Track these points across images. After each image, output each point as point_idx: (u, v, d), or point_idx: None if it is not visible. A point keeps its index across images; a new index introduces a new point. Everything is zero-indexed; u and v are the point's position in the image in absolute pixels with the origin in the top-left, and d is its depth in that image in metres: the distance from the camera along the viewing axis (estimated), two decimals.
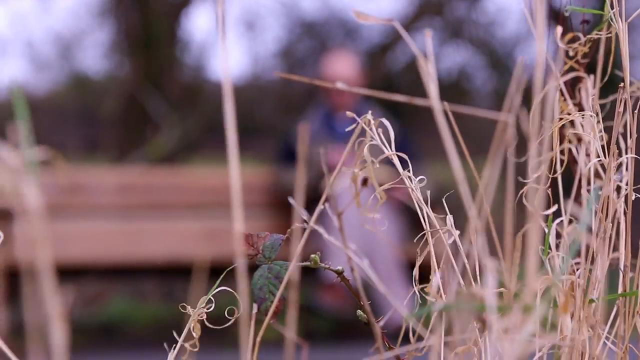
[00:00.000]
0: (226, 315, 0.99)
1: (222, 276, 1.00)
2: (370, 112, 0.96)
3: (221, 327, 1.01)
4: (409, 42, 0.79)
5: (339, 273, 0.87)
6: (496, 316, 0.75)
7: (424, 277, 1.03)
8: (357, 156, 0.88)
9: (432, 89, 0.82)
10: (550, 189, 1.08)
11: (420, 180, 0.89)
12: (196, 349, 1.00)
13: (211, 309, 1.02)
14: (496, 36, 9.80)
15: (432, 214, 0.88)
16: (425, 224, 0.88)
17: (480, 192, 0.79)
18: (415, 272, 0.91)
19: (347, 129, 0.97)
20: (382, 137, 0.91)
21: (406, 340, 1.04)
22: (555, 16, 1.29)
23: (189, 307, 1.00)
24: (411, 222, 5.46)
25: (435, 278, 0.87)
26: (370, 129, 0.89)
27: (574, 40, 1.12)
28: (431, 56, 0.82)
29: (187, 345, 1.00)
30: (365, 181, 0.91)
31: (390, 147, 0.92)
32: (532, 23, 0.90)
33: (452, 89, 9.52)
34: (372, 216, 0.94)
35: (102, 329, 6.18)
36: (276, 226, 5.57)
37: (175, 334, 1.05)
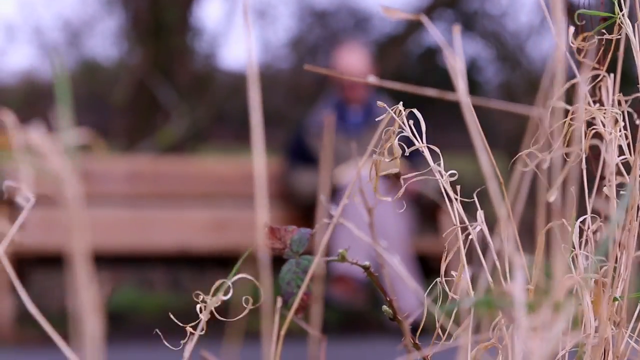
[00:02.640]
0: (243, 305, 0.98)
1: (237, 265, 0.99)
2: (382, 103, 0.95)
3: (238, 317, 1.00)
4: (438, 39, 0.78)
5: (366, 268, 0.86)
6: (525, 314, 0.74)
7: (434, 270, 1.02)
8: (385, 146, 0.87)
9: (461, 84, 0.80)
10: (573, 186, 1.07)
11: (452, 175, 0.88)
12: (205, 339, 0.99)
13: (229, 295, 1.01)
14: (507, 28, 9.78)
15: (462, 211, 0.87)
16: (456, 220, 0.87)
17: (510, 194, 0.78)
18: (442, 268, 0.90)
19: (359, 121, 0.96)
20: (412, 129, 0.90)
21: (415, 331, 1.03)
22: (570, 10, 1.28)
23: (202, 297, 0.99)
24: (421, 215, 5.44)
25: (465, 274, 0.86)
26: (401, 120, 0.88)
27: (586, 39, 1.11)
28: (460, 52, 0.81)
29: (190, 330, 0.99)
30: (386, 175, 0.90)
31: (420, 139, 0.91)
32: (549, 16, 0.89)
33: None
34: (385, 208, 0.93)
35: (108, 317, 6.19)
36: (283, 217, 5.55)
37: (190, 328, 1.04)
